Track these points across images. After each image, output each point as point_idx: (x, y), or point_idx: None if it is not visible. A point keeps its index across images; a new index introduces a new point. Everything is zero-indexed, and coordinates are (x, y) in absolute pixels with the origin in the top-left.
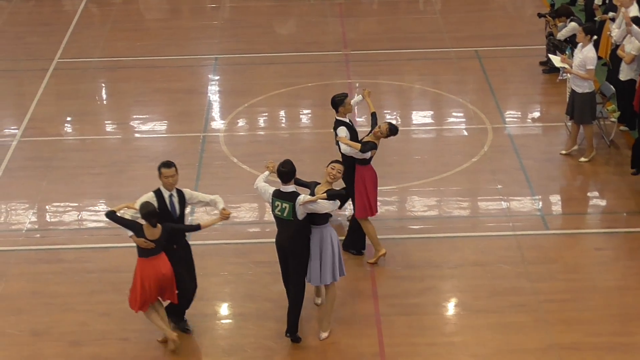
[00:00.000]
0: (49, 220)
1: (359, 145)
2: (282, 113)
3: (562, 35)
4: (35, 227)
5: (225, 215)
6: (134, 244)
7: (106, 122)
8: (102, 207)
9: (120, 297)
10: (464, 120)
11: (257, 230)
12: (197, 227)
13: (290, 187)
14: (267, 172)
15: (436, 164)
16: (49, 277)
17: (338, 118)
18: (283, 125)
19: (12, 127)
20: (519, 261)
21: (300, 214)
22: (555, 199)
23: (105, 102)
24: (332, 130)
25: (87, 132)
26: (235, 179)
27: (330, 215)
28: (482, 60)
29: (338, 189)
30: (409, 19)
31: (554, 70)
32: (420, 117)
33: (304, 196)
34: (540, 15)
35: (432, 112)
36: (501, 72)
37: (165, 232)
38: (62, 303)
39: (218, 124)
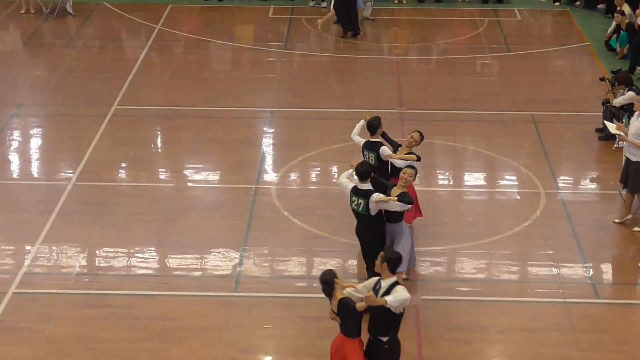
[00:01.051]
0: (98, 265)
1: (414, 157)
2: (334, 168)
3: (618, 102)
4: (84, 271)
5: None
6: (181, 293)
7: (160, 169)
8: (152, 255)
9: (164, 345)
10: (516, 183)
11: (304, 285)
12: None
13: (367, 185)
14: (350, 170)
15: (487, 227)
16: (96, 322)
17: (374, 140)
18: (335, 180)
19: (68, 171)
20: (568, 329)
21: (373, 210)
22: (607, 267)
23: (160, 149)
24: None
25: (141, 179)
26: (285, 232)
27: (402, 214)
28: (537, 125)
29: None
30: (465, 80)
31: (610, 137)
32: (473, 178)
33: (378, 195)
34: (601, 79)
35: (485, 174)
36: (556, 137)
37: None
38: (107, 349)
39: (271, 176)
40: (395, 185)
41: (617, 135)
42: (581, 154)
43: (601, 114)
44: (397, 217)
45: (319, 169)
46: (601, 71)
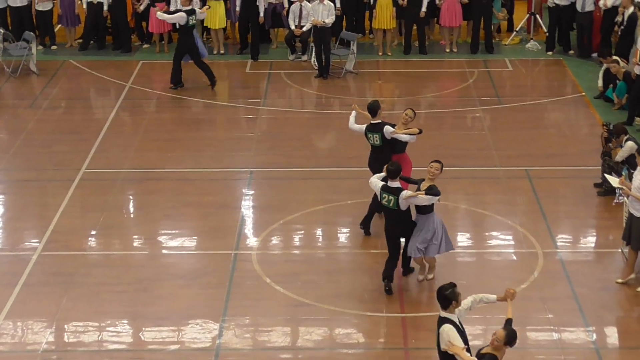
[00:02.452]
0: (67, 341)
1: (416, 130)
2: (319, 231)
3: (620, 157)
4: (52, 348)
5: (510, 294)
6: None
7: (133, 236)
8: (125, 328)
9: None
10: (512, 243)
11: (290, 356)
12: None
13: (396, 183)
14: (383, 174)
15: (482, 290)
16: None
17: (376, 122)
18: (320, 244)
19: (34, 240)
20: None
21: (403, 205)
22: (611, 331)
23: (132, 215)
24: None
25: (112, 247)
26: (268, 300)
27: (433, 205)
28: (532, 181)
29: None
30: (455, 134)
31: (610, 192)
32: (466, 239)
33: (407, 192)
34: (606, 140)
35: (478, 234)
36: (553, 194)
37: None
38: None
39: (251, 241)
40: (424, 179)
41: (617, 190)
42: (580, 210)
43: (599, 167)
44: (427, 209)
45: (302, 232)
46: (598, 123)
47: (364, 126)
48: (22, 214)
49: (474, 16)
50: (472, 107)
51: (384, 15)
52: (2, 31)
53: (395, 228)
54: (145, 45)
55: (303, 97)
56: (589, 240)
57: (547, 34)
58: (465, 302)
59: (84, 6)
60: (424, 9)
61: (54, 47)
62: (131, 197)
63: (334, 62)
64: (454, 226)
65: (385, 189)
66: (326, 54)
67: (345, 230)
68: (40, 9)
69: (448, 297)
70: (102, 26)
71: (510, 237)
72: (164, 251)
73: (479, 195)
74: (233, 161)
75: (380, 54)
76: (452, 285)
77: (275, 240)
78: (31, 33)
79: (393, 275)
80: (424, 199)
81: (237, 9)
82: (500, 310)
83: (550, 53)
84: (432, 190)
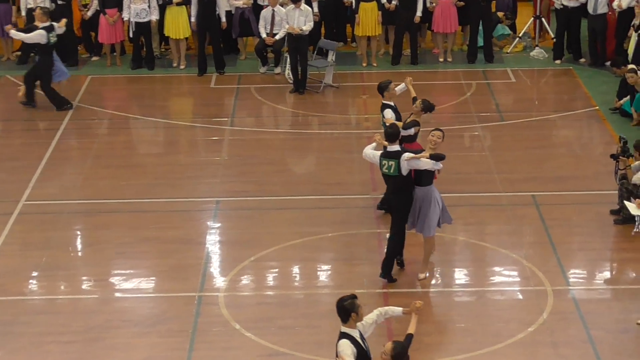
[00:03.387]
0: None
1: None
2: (296, 269)
3: (637, 179)
4: None
5: (415, 307)
6: None
7: (81, 278)
8: None
9: None
10: (518, 280)
11: None
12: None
13: (396, 147)
14: (374, 144)
15: (484, 334)
16: None
17: (384, 102)
18: (297, 284)
19: None
20: None
21: (404, 169)
22: None
23: (80, 254)
24: None
25: (57, 291)
26: (237, 350)
27: (433, 177)
28: (540, 208)
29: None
30: (452, 156)
31: (629, 220)
32: (464, 275)
33: (408, 154)
34: (614, 157)
35: (479, 270)
36: (564, 222)
37: None
38: None
39: (218, 281)
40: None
41: (637, 218)
42: (594, 241)
43: (617, 192)
44: (428, 179)
45: (277, 270)
46: (614, 141)
47: (378, 153)
48: None
49: (471, 21)
50: (471, 124)
51: (368, 20)
52: None
53: (395, 198)
54: (95, 58)
55: (276, 115)
56: (606, 276)
57: (555, 40)
58: (370, 316)
59: (23, 14)
60: (419, 12)
61: None
62: (79, 232)
63: (312, 75)
64: (451, 261)
65: (384, 154)
66: (302, 65)
67: (325, 267)
68: None
69: (346, 308)
70: None
71: (515, 273)
72: (118, 294)
73: (480, 225)
74: (197, 190)
75: (364, 64)
76: (353, 297)
77: (245, 280)
78: None
79: (398, 262)
80: (427, 163)
81: (192, 18)
82: (504, 358)
83: (558, 62)
84: (436, 155)
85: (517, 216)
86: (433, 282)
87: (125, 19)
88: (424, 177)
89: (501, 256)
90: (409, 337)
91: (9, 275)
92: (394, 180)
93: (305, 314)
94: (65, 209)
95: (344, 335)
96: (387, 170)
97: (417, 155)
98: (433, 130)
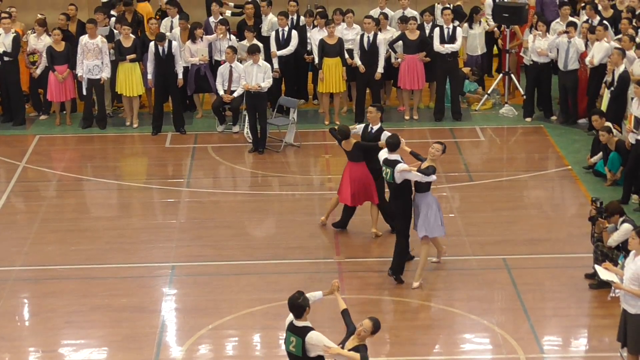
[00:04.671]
0: None
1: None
2: (256, 337)
3: (614, 241)
4: None
5: (336, 287)
6: None
7: (28, 349)
8: None
9: None
10: (490, 348)
11: None
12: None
13: (395, 156)
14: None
15: None
16: None
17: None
18: (258, 353)
19: None
20: None
21: (398, 179)
22: None
23: (27, 323)
24: None
25: None
26: None
27: (430, 185)
28: (512, 272)
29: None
30: None
31: (605, 285)
32: (433, 343)
33: (401, 165)
34: (591, 220)
35: (448, 337)
36: (537, 287)
37: None
38: None
39: (174, 351)
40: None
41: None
42: (569, 307)
43: (591, 255)
44: (424, 187)
45: (236, 339)
46: (588, 202)
47: (382, 157)
48: None
49: (437, 77)
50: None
51: (332, 76)
52: None
53: (394, 203)
54: (43, 117)
55: (235, 175)
56: (581, 343)
57: (525, 97)
58: None
59: None
60: (380, 69)
61: None
62: (25, 300)
63: (272, 134)
64: (418, 327)
65: (385, 161)
66: (262, 123)
67: None
68: None
69: (301, 304)
70: None
71: (487, 341)
72: None
73: (449, 290)
74: (150, 254)
75: (327, 122)
76: (301, 293)
77: (203, 349)
78: None
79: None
80: (415, 175)
81: (149, 76)
82: None
83: (528, 119)
84: (426, 170)
85: (488, 281)
86: (399, 348)
87: (79, 74)
88: (419, 185)
89: (472, 323)
90: (346, 311)
91: None
92: (390, 185)
93: None
94: (11, 276)
95: (306, 328)
96: (385, 176)
97: (407, 168)
98: (434, 143)
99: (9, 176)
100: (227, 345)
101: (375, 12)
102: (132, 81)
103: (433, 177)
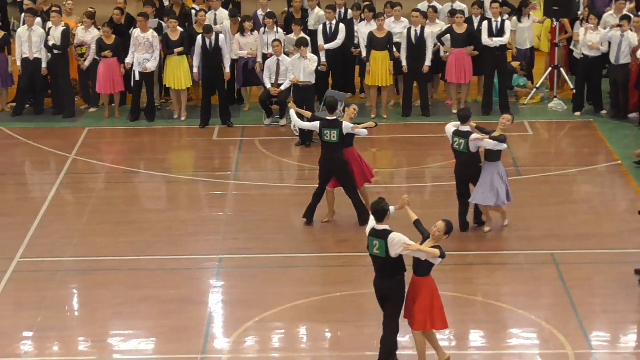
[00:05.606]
0: None
1: (372, 124)
2: (302, 330)
3: None
4: None
5: (405, 201)
6: None
7: (77, 339)
8: None
9: None
10: (537, 343)
11: None
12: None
13: (466, 127)
14: (456, 122)
15: None
16: None
17: (330, 118)
18: (303, 346)
19: None
20: None
21: (472, 147)
22: None
23: (76, 313)
24: None
25: (52, 352)
26: None
27: (500, 154)
28: (559, 267)
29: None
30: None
31: None
32: (480, 337)
33: (474, 134)
34: None
35: (495, 332)
36: (585, 282)
37: None
38: None
39: (221, 342)
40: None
41: None
42: (618, 302)
43: None
44: (494, 156)
45: (282, 331)
46: (638, 197)
47: (317, 123)
48: None
49: (485, 71)
50: None
51: (378, 70)
52: None
53: (463, 170)
54: (92, 109)
55: (281, 168)
56: (630, 339)
57: (574, 90)
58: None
59: (18, 63)
60: (427, 62)
61: None
62: (75, 291)
63: None
64: (465, 321)
65: (456, 132)
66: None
67: (332, 328)
68: None
69: (384, 208)
70: (39, 87)
71: (534, 335)
72: (116, 356)
73: (496, 285)
74: (198, 247)
75: (373, 116)
76: (383, 199)
77: (249, 341)
78: None
79: (467, 223)
80: (489, 143)
81: (195, 69)
82: None
83: (578, 113)
84: (498, 137)
85: (535, 275)
86: (447, 343)
87: (128, 60)
88: (491, 154)
89: (519, 317)
90: (418, 221)
91: (2, 336)
92: (462, 155)
93: None
94: (60, 267)
95: (387, 230)
96: (457, 147)
97: (482, 136)
98: (503, 114)
99: (59, 168)
100: (272, 338)
101: (423, 5)
102: (179, 74)
103: (504, 145)
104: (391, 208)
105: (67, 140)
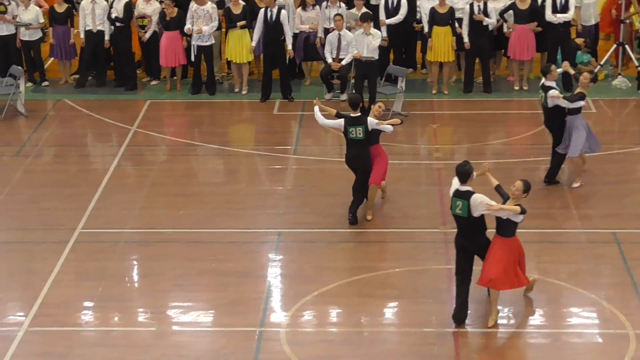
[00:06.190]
0: None
1: (398, 120)
2: (360, 306)
3: None
4: None
5: (486, 168)
6: None
7: (137, 310)
8: None
9: None
10: (597, 322)
11: None
12: None
13: (550, 83)
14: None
15: None
16: None
17: (354, 115)
18: (362, 321)
19: (19, 314)
20: None
21: (549, 103)
22: None
23: (136, 284)
24: None
25: (113, 323)
26: None
27: (580, 109)
28: (622, 246)
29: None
30: None
31: None
32: (539, 316)
33: (553, 91)
34: None
35: (554, 311)
36: None
37: None
38: None
39: (279, 316)
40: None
41: None
42: None
43: None
44: (574, 110)
45: (340, 306)
46: None
47: (341, 120)
48: (5, 283)
49: (548, 47)
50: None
51: (441, 45)
52: None
53: (549, 122)
54: (154, 82)
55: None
56: None
57: (639, 68)
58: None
59: (81, 35)
60: (465, 39)
61: (45, 84)
62: (135, 262)
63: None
64: (523, 301)
65: (541, 87)
66: (370, 92)
67: (391, 304)
68: (25, 38)
69: (468, 171)
70: (102, 59)
71: (594, 315)
72: (175, 327)
73: (556, 263)
74: (257, 221)
75: (434, 92)
76: (467, 162)
77: (308, 315)
78: (19, 67)
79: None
80: (563, 102)
81: (253, 43)
82: None
83: None
84: (572, 96)
85: (596, 255)
86: (505, 322)
87: (188, 26)
88: (573, 109)
89: (579, 296)
90: (499, 186)
91: (64, 306)
92: (545, 110)
93: (369, 353)
94: (121, 238)
95: (470, 191)
96: (540, 99)
97: (557, 94)
98: (584, 72)
99: (121, 140)
100: (330, 313)
101: None
102: (241, 48)
103: (581, 103)
104: (473, 174)
105: (128, 112)
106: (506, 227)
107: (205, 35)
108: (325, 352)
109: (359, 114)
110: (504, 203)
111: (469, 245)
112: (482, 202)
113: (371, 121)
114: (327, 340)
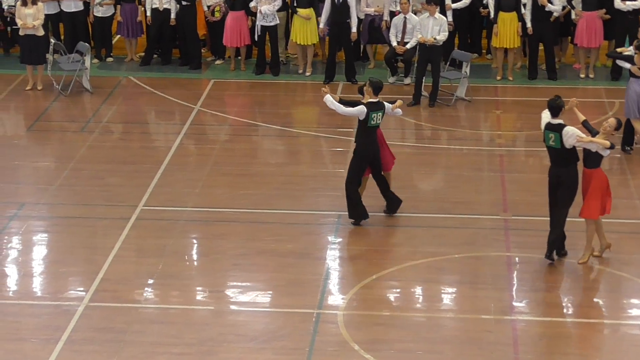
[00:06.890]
0: None
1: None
2: (418, 290)
3: None
4: None
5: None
6: None
7: (196, 288)
8: None
9: None
10: None
11: None
12: None
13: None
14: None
15: None
16: None
17: (373, 101)
18: (419, 306)
19: (79, 289)
20: None
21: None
22: None
23: (196, 263)
24: None
25: (171, 300)
26: None
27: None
28: None
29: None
30: None
31: None
32: (600, 307)
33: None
34: None
35: (615, 302)
36: None
37: None
38: None
39: (337, 299)
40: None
41: None
42: None
43: None
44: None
45: (399, 290)
46: None
47: (362, 107)
48: (67, 258)
49: (616, 35)
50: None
51: (507, 31)
52: (53, 41)
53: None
54: (218, 61)
55: (404, 127)
56: None
57: None
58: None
59: (148, 13)
60: (528, 24)
61: (109, 60)
62: (195, 241)
63: (443, 87)
64: (585, 289)
65: (609, 54)
66: (434, 77)
67: (449, 290)
68: (99, 15)
69: (560, 104)
70: (168, 38)
71: None
72: (233, 307)
73: (618, 253)
74: (317, 202)
75: (499, 78)
76: (559, 97)
77: (365, 299)
78: (85, 44)
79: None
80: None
81: (321, 25)
82: None
83: None
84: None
85: None
86: (565, 310)
87: (253, 4)
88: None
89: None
90: (586, 121)
91: (124, 282)
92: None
93: (426, 338)
94: (182, 217)
95: (562, 124)
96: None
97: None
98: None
99: (184, 118)
100: (389, 297)
101: None
102: (307, 30)
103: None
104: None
105: (192, 91)
106: (592, 160)
107: (269, 15)
108: (382, 336)
109: (377, 99)
110: (593, 137)
111: (561, 173)
112: (573, 134)
113: (388, 106)
114: (384, 324)
